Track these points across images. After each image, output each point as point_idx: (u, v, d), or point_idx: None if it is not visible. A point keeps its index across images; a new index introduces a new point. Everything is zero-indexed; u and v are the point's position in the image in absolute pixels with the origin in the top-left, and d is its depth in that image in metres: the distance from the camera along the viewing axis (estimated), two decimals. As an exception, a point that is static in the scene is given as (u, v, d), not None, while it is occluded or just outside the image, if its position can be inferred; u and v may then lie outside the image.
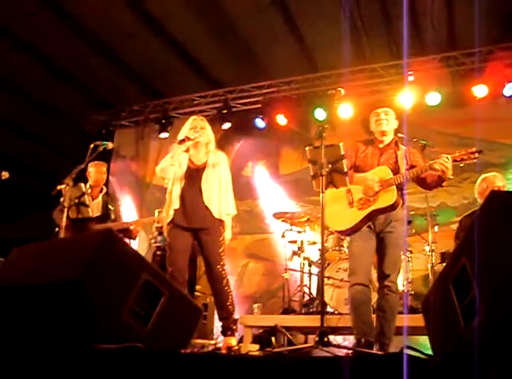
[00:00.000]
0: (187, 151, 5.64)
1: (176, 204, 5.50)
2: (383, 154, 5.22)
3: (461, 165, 5.01)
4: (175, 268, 5.36)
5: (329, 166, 4.61)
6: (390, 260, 4.97)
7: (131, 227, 7.02)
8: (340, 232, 5.53)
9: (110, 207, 7.16)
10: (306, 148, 4.81)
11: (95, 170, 7.29)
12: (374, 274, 5.27)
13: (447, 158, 4.85)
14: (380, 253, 5.04)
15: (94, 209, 7.09)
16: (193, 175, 5.57)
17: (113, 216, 7.11)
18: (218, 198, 5.51)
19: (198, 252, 5.69)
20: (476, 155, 4.91)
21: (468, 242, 2.80)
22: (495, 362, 2.21)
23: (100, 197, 7.23)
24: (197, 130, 5.64)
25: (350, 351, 4.26)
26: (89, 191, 7.16)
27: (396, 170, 5.08)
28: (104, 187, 7.49)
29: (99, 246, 3.50)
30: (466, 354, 2.46)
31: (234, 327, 5.39)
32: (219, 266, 5.35)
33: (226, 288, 5.36)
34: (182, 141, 5.51)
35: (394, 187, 4.98)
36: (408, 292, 7.20)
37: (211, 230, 5.43)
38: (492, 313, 2.41)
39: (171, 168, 5.58)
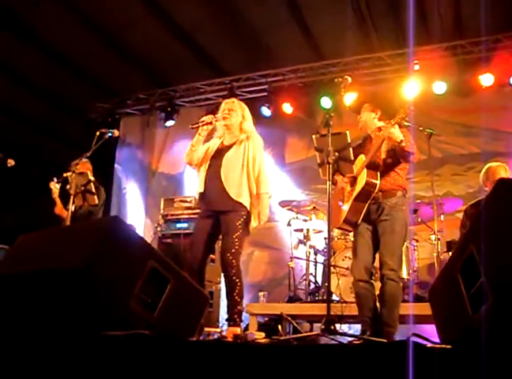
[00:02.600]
0: (210, 133, 5.65)
1: (200, 188, 5.46)
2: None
3: (407, 119, 5.10)
4: (191, 255, 5.32)
5: (336, 154, 4.63)
6: (386, 247, 4.99)
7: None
8: (339, 228, 5.57)
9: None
10: (313, 136, 4.83)
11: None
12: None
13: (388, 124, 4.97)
14: (377, 243, 5.07)
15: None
16: (219, 156, 5.47)
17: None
18: (239, 179, 5.35)
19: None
20: (410, 110, 4.99)
21: (476, 230, 2.79)
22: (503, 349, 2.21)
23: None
24: (225, 113, 5.58)
25: (356, 339, 4.25)
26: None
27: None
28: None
29: (106, 233, 3.50)
30: (474, 342, 2.46)
31: (237, 318, 5.19)
32: (229, 254, 5.13)
33: (234, 278, 5.16)
34: (196, 124, 5.50)
35: (365, 169, 5.08)
36: (414, 281, 7.19)
37: (227, 214, 5.26)
38: (500, 300, 2.41)
39: (193, 153, 5.57)
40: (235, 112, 5.61)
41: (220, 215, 5.30)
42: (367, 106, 5.44)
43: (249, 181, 5.38)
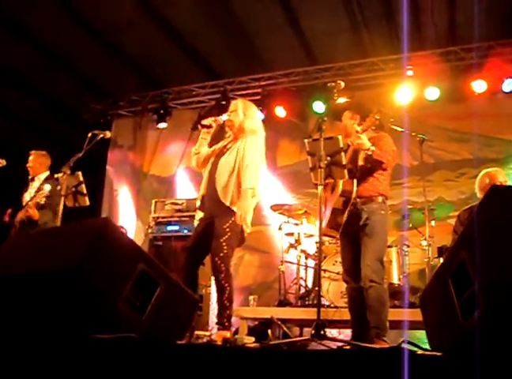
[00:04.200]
0: (219, 135, 5.60)
1: (201, 191, 5.44)
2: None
3: (373, 128, 5.08)
4: (183, 257, 5.27)
5: (328, 158, 4.62)
6: (367, 250, 5.02)
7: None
8: (325, 235, 5.56)
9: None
10: (305, 140, 4.83)
11: (29, 160, 7.58)
12: None
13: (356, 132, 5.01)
14: (360, 248, 5.09)
15: (26, 198, 7.35)
16: (217, 159, 5.41)
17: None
18: (227, 182, 5.23)
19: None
20: (377, 116, 5.02)
21: (468, 236, 2.79)
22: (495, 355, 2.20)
23: (35, 185, 7.46)
24: (228, 114, 5.53)
25: (346, 345, 4.24)
26: (30, 181, 7.52)
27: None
28: (46, 174, 7.59)
29: (96, 235, 3.48)
30: (464, 349, 2.45)
31: (226, 322, 5.08)
32: (217, 258, 5.02)
33: (223, 282, 5.04)
34: (195, 128, 5.47)
35: None
36: (404, 286, 7.20)
37: (218, 218, 5.17)
38: (492, 306, 2.40)
39: (197, 157, 5.56)
40: (236, 112, 5.52)
41: (213, 218, 5.23)
42: (346, 113, 5.47)
43: (238, 183, 5.26)
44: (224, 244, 5.07)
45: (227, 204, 5.18)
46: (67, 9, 8.92)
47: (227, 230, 5.11)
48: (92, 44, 9.77)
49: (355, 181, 5.04)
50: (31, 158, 7.55)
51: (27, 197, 7.34)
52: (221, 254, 5.06)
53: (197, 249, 5.30)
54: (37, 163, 7.54)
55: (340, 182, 5.05)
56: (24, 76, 10.56)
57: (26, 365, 2.93)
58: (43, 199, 6.83)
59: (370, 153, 4.94)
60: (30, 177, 7.54)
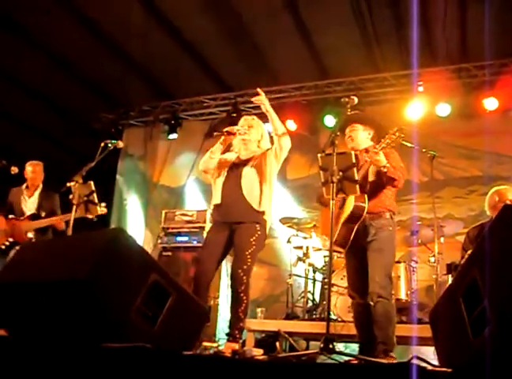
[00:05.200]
0: (229, 146, 5.63)
1: (216, 200, 5.40)
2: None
3: (393, 145, 4.99)
4: (201, 269, 5.26)
5: (340, 173, 4.62)
6: (374, 265, 4.96)
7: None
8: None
9: (42, 204, 7.41)
10: (318, 155, 4.83)
11: (31, 170, 7.59)
12: None
13: (374, 147, 4.99)
14: (366, 263, 5.05)
15: (30, 207, 7.40)
16: (236, 170, 5.43)
17: (43, 214, 7.28)
18: (259, 191, 5.30)
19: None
20: (397, 134, 4.89)
21: (480, 254, 2.80)
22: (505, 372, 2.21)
23: (36, 195, 7.53)
24: (244, 128, 5.57)
25: (354, 359, 4.23)
26: (26, 190, 7.56)
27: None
28: (41, 185, 7.66)
29: (108, 245, 3.50)
30: (474, 366, 2.46)
31: (238, 334, 5.09)
32: (240, 270, 5.04)
33: (242, 295, 5.05)
34: (219, 133, 5.51)
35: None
36: (413, 302, 7.19)
37: (243, 227, 5.19)
38: (503, 324, 2.41)
39: (211, 161, 5.53)
40: (256, 130, 5.62)
41: (236, 228, 5.23)
42: (357, 126, 5.42)
43: (270, 192, 5.38)
44: (248, 256, 5.11)
45: (264, 209, 5.25)
46: (79, 18, 8.99)
47: (254, 243, 5.16)
48: (103, 54, 9.83)
49: (366, 196, 5.03)
50: (31, 168, 7.59)
51: (30, 207, 7.39)
52: (245, 267, 5.09)
53: (215, 261, 5.31)
54: (39, 173, 7.63)
55: (352, 198, 5.02)
56: (36, 85, 10.63)
57: (37, 374, 2.94)
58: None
59: (385, 170, 4.92)
60: (26, 186, 7.58)
